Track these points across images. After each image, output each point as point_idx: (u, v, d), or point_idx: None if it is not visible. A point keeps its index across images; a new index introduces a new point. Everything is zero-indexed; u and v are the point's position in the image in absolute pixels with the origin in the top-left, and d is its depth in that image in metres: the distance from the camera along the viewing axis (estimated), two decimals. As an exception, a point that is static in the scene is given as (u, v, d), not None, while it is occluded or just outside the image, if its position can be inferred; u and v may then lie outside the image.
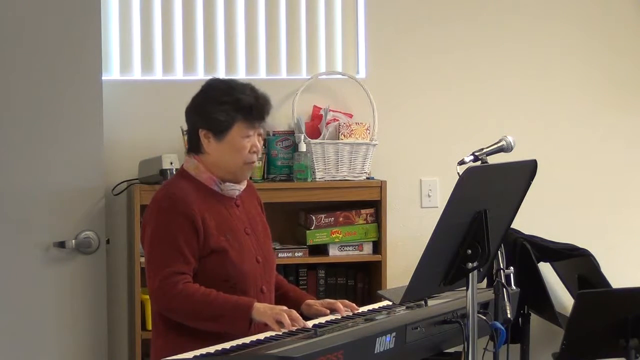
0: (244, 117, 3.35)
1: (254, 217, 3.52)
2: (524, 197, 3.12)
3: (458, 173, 2.84)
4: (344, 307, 3.40)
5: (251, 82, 3.46)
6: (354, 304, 3.46)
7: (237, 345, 2.97)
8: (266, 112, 3.41)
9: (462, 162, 3.15)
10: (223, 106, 3.35)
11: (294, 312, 3.18)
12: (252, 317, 3.18)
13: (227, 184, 3.41)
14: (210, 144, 3.38)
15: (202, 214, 3.32)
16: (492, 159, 3.21)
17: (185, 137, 4.42)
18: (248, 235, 3.43)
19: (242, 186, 3.47)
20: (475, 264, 2.95)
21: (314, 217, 4.62)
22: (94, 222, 4.37)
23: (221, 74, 4.70)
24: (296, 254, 4.60)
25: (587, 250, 4.80)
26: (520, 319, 4.66)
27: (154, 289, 3.29)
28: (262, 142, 3.46)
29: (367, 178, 4.71)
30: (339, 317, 3.32)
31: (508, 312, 3.17)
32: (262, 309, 3.19)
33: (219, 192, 3.41)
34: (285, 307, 3.21)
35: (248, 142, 3.37)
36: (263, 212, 3.62)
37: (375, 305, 3.53)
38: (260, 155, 3.72)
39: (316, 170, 4.63)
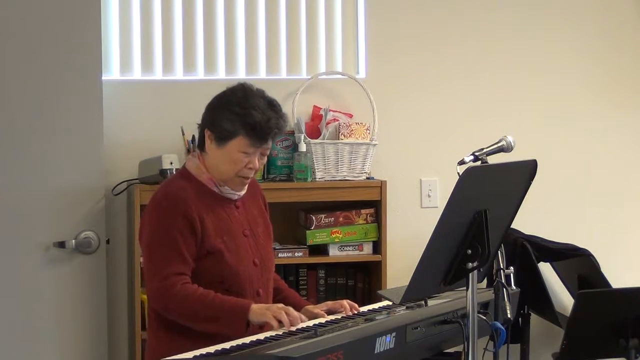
0: (247, 133, 3.31)
1: (255, 218, 3.51)
2: (524, 197, 3.12)
3: (458, 173, 2.84)
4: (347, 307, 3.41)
5: (252, 84, 3.42)
6: (356, 304, 3.46)
7: (237, 345, 2.96)
8: (272, 135, 3.35)
9: (462, 162, 3.15)
10: (231, 115, 3.31)
11: (291, 310, 3.18)
12: (249, 319, 3.18)
13: (227, 187, 3.41)
14: (211, 145, 3.37)
15: (201, 214, 3.31)
16: (492, 159, 3.21)
17: (185, 137, 4.47)
18: (246, 237, 3.42)
19: (241, 193, 3.46)
20: (475, 264, 2.95)
21: (314, 217, 4.62)
22: (94, 222, 4.37)
23: (221, 74, 4.71)
24: (296, 254, 4.60)
25: (587, 250, 4.80)
26: (520, 319, 4.66)
27: (152, 289, 3.30)
28: (264, 160, 3.43)
29: (367, 178, 4.71)
30: (339, 317, 3.32)
31: (508, 312, 3.17)
32: (259, 310, 3.18)
33: (219, 194, 3.41)
34: (282, 305, 3.21)
35: (246, 157, 3.34)
36: (267, 210, 3.61)
37: (375, 305, 3.52)
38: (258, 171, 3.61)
39: (316, 170, 4.62)
